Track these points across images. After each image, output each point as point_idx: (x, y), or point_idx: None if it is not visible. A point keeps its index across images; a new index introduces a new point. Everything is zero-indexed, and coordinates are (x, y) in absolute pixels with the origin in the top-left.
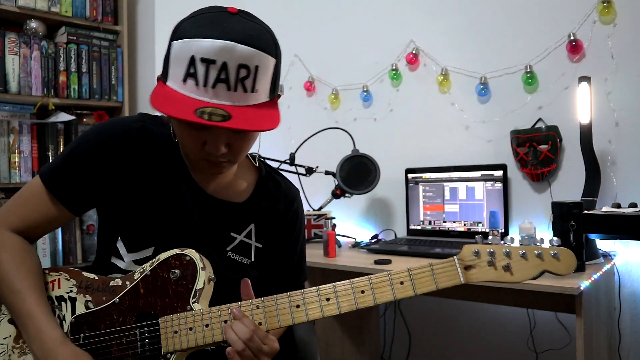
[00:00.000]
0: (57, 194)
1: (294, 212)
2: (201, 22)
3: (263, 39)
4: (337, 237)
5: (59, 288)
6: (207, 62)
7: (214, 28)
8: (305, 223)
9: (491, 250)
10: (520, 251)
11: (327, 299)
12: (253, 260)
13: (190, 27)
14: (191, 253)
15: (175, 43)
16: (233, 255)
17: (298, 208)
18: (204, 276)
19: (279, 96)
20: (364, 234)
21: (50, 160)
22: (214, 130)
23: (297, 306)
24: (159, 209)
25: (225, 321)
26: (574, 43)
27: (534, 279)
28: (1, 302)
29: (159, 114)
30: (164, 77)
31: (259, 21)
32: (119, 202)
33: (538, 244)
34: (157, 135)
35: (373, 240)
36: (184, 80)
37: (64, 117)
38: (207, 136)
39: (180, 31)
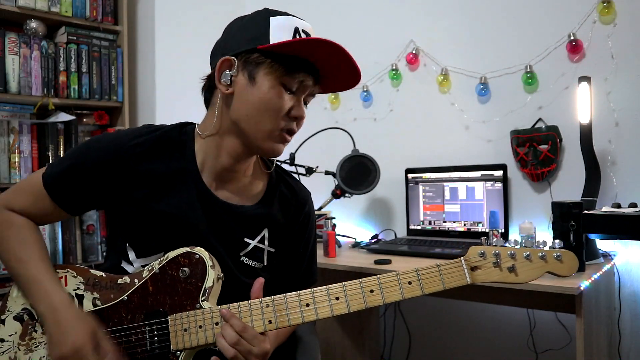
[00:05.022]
0: (56, 199)
1: (306, 215)
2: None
3: None
4: (337, 237)
5: (66, 285)
6: (306, 34)
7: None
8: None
9: (496, 252)
10: (525, 253)
11: (337, 298)
12: (265, 264)
13: (279, 11)
14: (200, 251)
15: (277, 18)
16: (246, 260)
17: (310, 211)
18: (213, 274)
19: None
20: (364, 234)
21: (54, 160)
22: (301, 93)
23: (307, 305)
24: (167, 216)
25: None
26: (574, 43)
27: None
28: (8, 273)
29: (157, 122)
30: (263, 42)
31: None
32: (123, 210)
33: (540, 246)
34: (162, 145)
35: (373, 240)
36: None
37: (64, 117)
38: (295, 101)
39: (274, 12)
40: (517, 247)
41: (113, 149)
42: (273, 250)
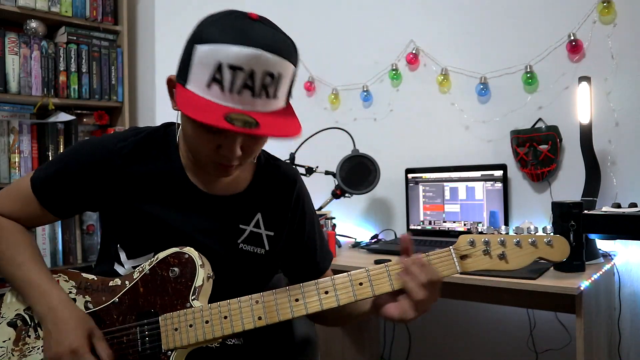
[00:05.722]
0: (44, 203)
1: (298, 193)
2: (227, 28)
3: (287, 46)
4: (337, 237)
5: None
6: (235, 68)
7: (241, 34)
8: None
9: (486, 239)
10: (515, 239)
11: (326, 292)
12: (268, 249)
13: (216, 31)
14: (190, 251)
15: (201, 47)
16: (245, 247)
17: (301, 188)
18: (203, 273)
19: None
20: (364, 234)
21: (42, 165)
22: (230, 134)
23: (297, 300)
24: (155, 216)
25: (225, 317)
26: (574, 43)
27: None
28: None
29: (157, 122)
30: (182, 80)
31: (279, 29)
32: (112, 212)
33: (532, 232)
34: (147, 147)
35: (373, 240)
36: (208, 86)
37: (64, 117)
38: (223, 140)
39: (205, 35)
40: (507, 234)
41: (99, 153)
42: (272, 233)
